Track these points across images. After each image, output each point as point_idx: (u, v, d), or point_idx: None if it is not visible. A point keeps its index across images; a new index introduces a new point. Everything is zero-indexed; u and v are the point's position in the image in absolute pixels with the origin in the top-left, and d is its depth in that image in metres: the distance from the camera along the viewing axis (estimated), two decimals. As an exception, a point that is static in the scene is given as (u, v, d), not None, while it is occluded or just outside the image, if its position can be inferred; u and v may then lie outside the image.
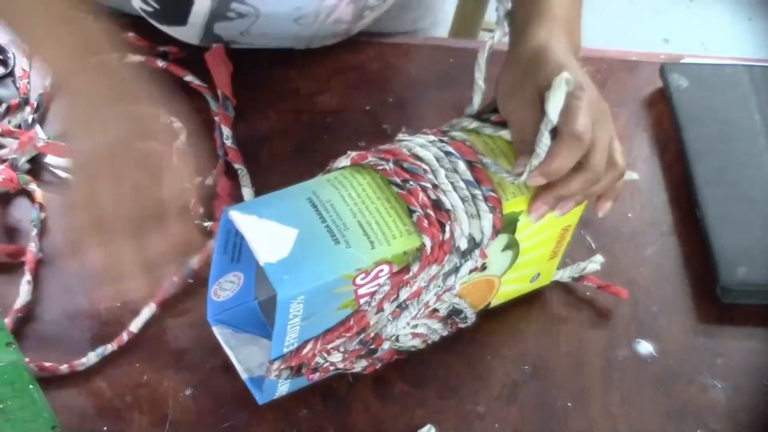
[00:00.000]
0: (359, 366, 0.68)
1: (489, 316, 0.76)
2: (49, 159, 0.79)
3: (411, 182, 0.62)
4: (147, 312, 0.71)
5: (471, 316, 0.71)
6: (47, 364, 0.67)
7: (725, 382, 0.74)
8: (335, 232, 0.60)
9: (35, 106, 0.82)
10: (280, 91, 0.88)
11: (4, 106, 0.81)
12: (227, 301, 0.69)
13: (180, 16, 0.83)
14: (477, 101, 0.69)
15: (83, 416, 0.67)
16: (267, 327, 0.69)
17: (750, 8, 2.35)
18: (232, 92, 0.84)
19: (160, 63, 0.86)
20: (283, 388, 0.66)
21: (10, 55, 0.86)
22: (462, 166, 0.64)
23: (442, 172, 0.63)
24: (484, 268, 0.67)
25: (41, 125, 0.82)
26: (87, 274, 0.62)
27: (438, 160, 0.64)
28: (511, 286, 0.72)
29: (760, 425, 0.72)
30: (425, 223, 0.61)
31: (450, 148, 0.65)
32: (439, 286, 0.64)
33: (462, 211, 0.62)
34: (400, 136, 0.67)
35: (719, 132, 0.88)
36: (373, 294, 0.61)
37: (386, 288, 0.61)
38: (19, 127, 0.81)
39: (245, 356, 0.68)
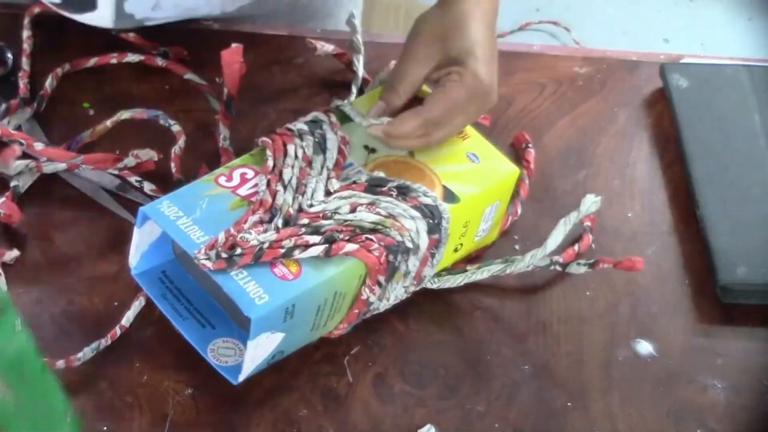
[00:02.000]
0: (313, 240, 0.65)
1: (488, 315, 0.76)
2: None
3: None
4: (137, 305, 0.71)
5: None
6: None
7: (725, 382, 0.74)
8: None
9: (35, 106, 0.82)
10: (280, 91, 0.88)
11: (4, 106, 0.81)
12: (143, 254, 0.70)
13: (88, 1, 0.83)
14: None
15: (83, 416, 0.67)
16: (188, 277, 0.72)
17: (750, 8, 2.35)
18: (238, 93, 0.83)
19: (160, 62, 0.86)
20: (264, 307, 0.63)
21: (10, 55, 0.86)
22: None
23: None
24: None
25: (41, 125, 0.82)
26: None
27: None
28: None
29: (760, 425, 0.72)
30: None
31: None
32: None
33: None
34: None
35: (719, 132, 0.88)
36: (254, 186, 0.68)
37: (263, 179, 0.68)
38: (20, 127, 0.81)
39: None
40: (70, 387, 0.68)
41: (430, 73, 0.73)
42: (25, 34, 0.87)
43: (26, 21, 0.88)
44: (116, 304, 0.71)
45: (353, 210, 0.68)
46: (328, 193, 0.69)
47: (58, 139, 0.81)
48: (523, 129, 0.87)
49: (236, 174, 0.70)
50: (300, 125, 0.73)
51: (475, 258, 0.78)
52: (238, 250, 0.63)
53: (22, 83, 0.84)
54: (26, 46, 0.86)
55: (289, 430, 0.68)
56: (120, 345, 0.70)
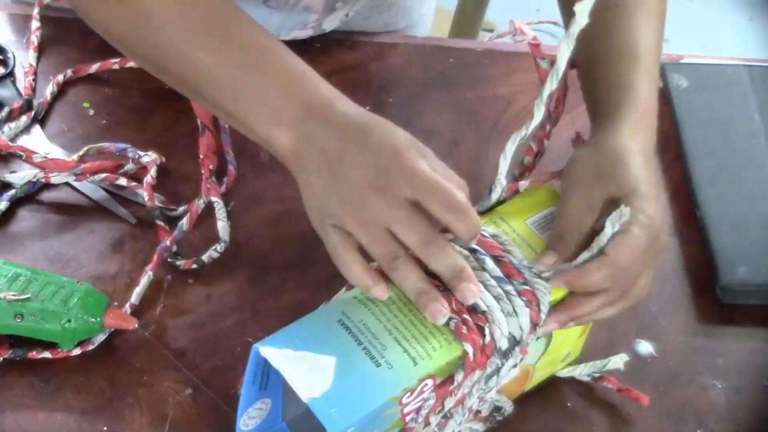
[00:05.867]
0: None
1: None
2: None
3: (440, 288, 0.59)
4: (145, 281, 0.72)
5: (509, 408, 0.68)
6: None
7: (725, 382, 0.74)
8: (374, 354, 0.57)
9: (32, 115, 0.82)
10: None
11: (6, 110, 0.81)
12: (255, 428, 0.64)
13: None
14: (495, 198, 0.67)
15: (83, 416, 0.67)
16: None
17: (750, 8, 2.35)
18: (217, 165, 0.80)
19: (161, 63, 0.86)
20: None
21: (10, 55, 0.86)
22: (490, 263, 0.61)
23: None
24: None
25: (41, 125, 0.82)
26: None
27: (464, 258, 0.61)
28: (544, 371, 0.70)
29: (760, 425, 0.72)
30: (464, 330, 0.58)
31: (473, 245, 0.62)
32: (482, 389, 0.62)
33: (498, 310, 0.59)
34: None
35: (719, 132, 0.88)
36: (418, 410, 0.58)
37: (431, 401, 0.58)
38: (20, 132, 0.81)
39: None
40: (70, 386, 0.68)
41: (598, 218, 0.64)
42: (34, 25, 0.87)
43: (35, 12, 0.88)
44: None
45: None
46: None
47: (58, 139, 0.81)
48: (523, 129, 0.87)
49: (419, 387, 0.58)
50: (490, 301, 0.60)
51: None
52: None
53: (27, 81, 0.83)
54: (34, 38, 0.86)
55: (289, 430, 0.68)
56: (120, 345, 0.70)
